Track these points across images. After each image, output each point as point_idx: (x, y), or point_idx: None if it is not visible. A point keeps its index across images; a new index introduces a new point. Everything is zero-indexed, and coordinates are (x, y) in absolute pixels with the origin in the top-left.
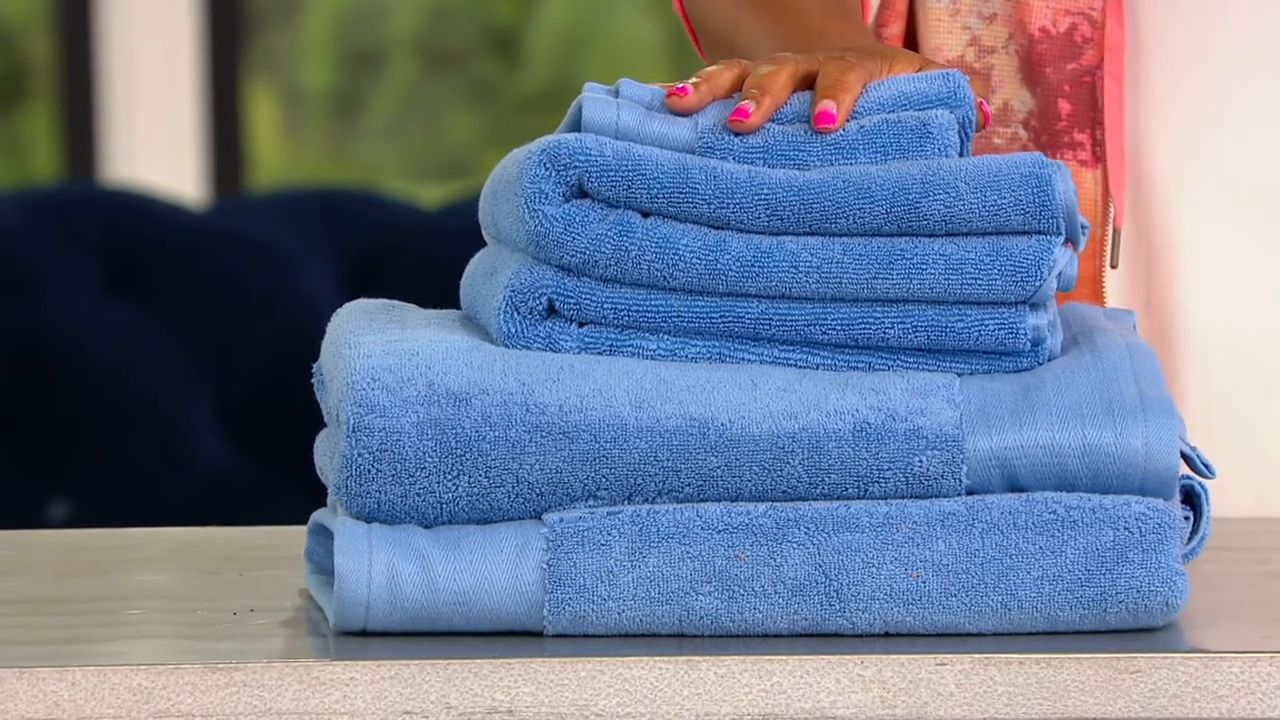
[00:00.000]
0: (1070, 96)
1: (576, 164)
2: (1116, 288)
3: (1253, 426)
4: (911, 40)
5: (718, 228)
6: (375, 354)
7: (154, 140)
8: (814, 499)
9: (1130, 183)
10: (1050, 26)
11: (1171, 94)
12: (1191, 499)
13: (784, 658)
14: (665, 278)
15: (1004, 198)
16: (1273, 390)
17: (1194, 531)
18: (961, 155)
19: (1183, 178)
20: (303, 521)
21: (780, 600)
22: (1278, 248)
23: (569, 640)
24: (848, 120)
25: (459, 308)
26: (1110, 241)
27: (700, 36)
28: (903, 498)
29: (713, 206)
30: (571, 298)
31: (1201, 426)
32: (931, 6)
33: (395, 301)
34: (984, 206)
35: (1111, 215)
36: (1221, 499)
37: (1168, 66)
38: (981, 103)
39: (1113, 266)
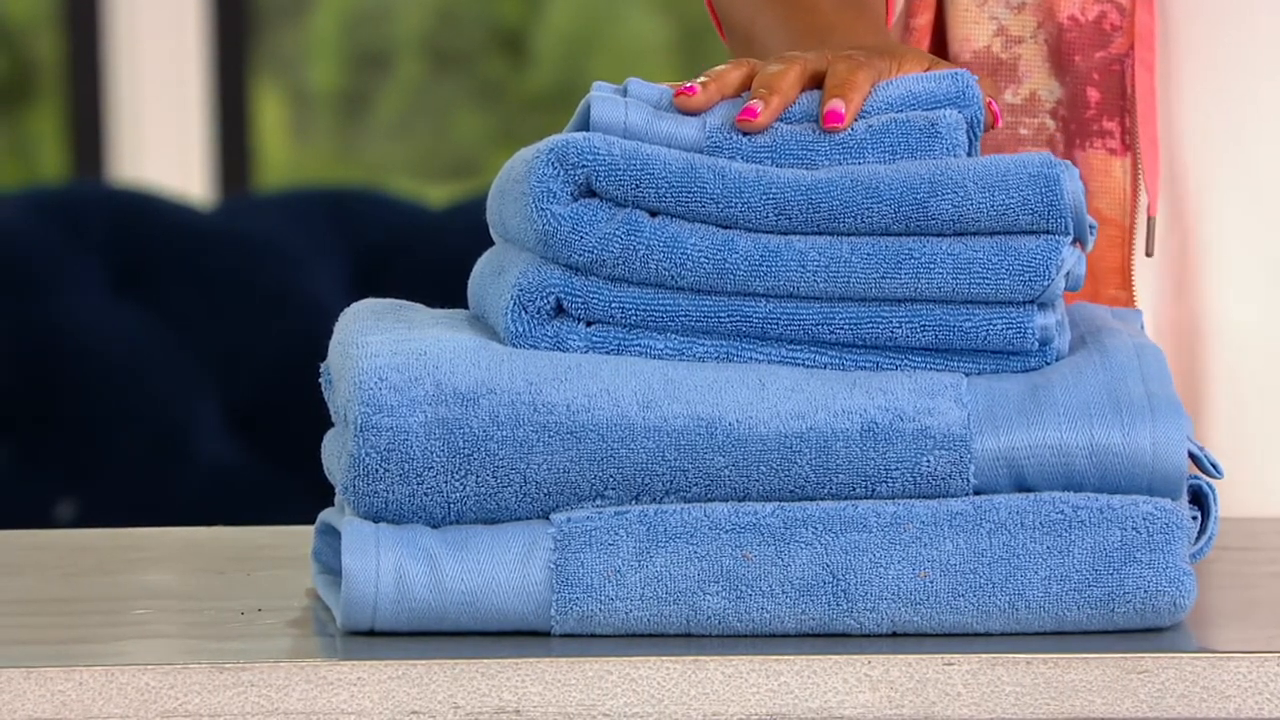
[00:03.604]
0: (1099, 85)
1: (584, 163)
2: (1149, 279)
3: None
4: (939, 30)
5: (725, 227)
6: (383, 353)
7: (161, 140)
8: (821, 499)
9: (1163, 172)
10: (1079, 14)
11: (1204, 82)
12: (1199, 499)
13: (791, 657)
14: (673, 277)
15: (1012, 197)
16: None
17: (1201, 531)
18: (970, 155)
19: (1216, 167)
20: (310, 521)
21: (788, 600)
22: None
23: (576, 640)
24: (856, 119)
25: (466, 307)
26: (1146, 230)
27: (724, 26)
28: (910, 498)
29: (720, 206)
30: (579, 297)
31: (1231, 419)
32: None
33: (403, 301)
34: (992, 206)
35: (1144, 204)
36: (1255, 493)
37: (1199, 54)
38: (990, 102)
39: (1148, 254)
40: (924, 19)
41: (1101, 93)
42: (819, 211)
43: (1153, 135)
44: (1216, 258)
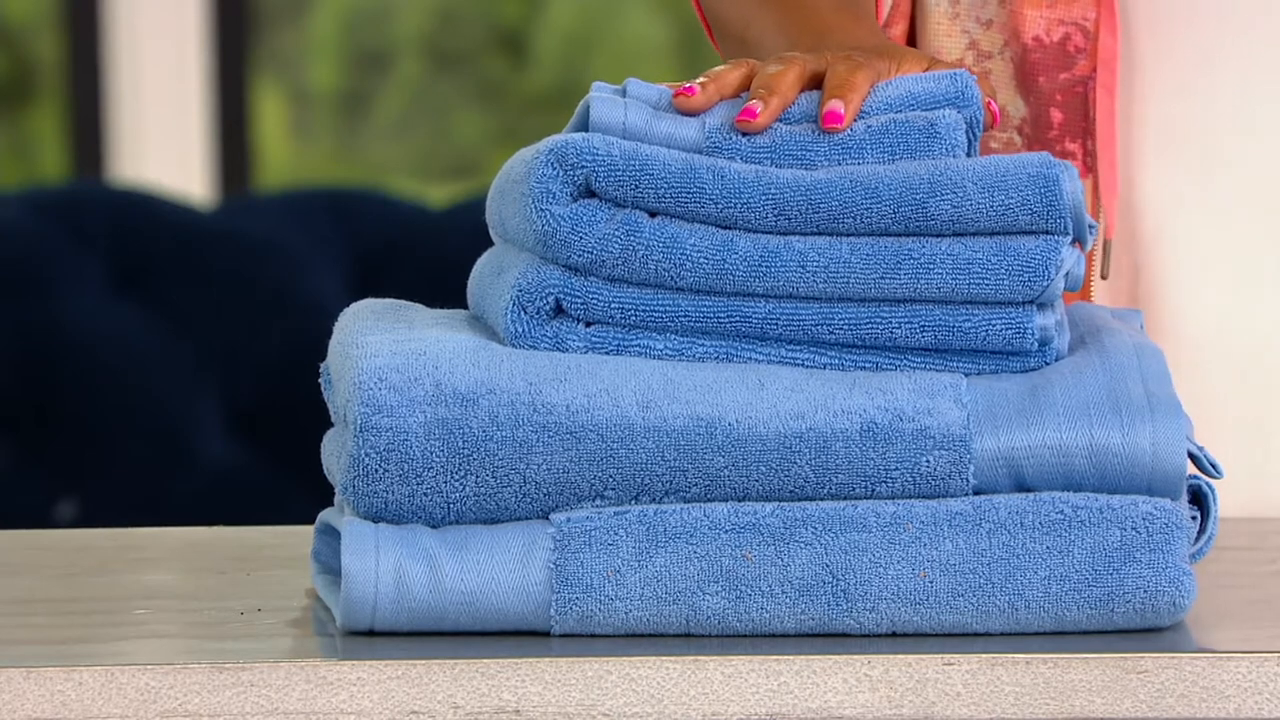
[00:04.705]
0: (1062, 106)
1: (584, 163)
2: (1102, 298)
3: (1243, 433)
4: (913, 42)
5: (725, 227)
6: (382, 353)
7: (161, 140)
8: (821, 499)
9: (1122, 195)
10: (1044, 36)
11: (1164, 106)
12: (1199, 499)
13: (791, 657)
14: (672, 277)
15: (1011, 197)
16: (1264, 393)
17: (1201, 531)
18: (969, 155)
19: (1172, 190)
20: (310, 521)
21: (787, 600)
22: (1266, 256)
23: (576, 640)
24: (855, 120)
25: (466, 307)
26: (1101, 252)
27: (714, 30)
28: (910, 498)
29: (720, 206)
30: (579, 297)
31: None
32: (932, 9)
33: (402, 301)
34: (991, 206)
35: (1102, 226)
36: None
37: (1161, 78)
38: (989, 102)
39: (1103, 277)
40: (899, 29)
41: (1065, 114)
42: (818, 212)
43: (1111, 159)
44: (1170, 278)
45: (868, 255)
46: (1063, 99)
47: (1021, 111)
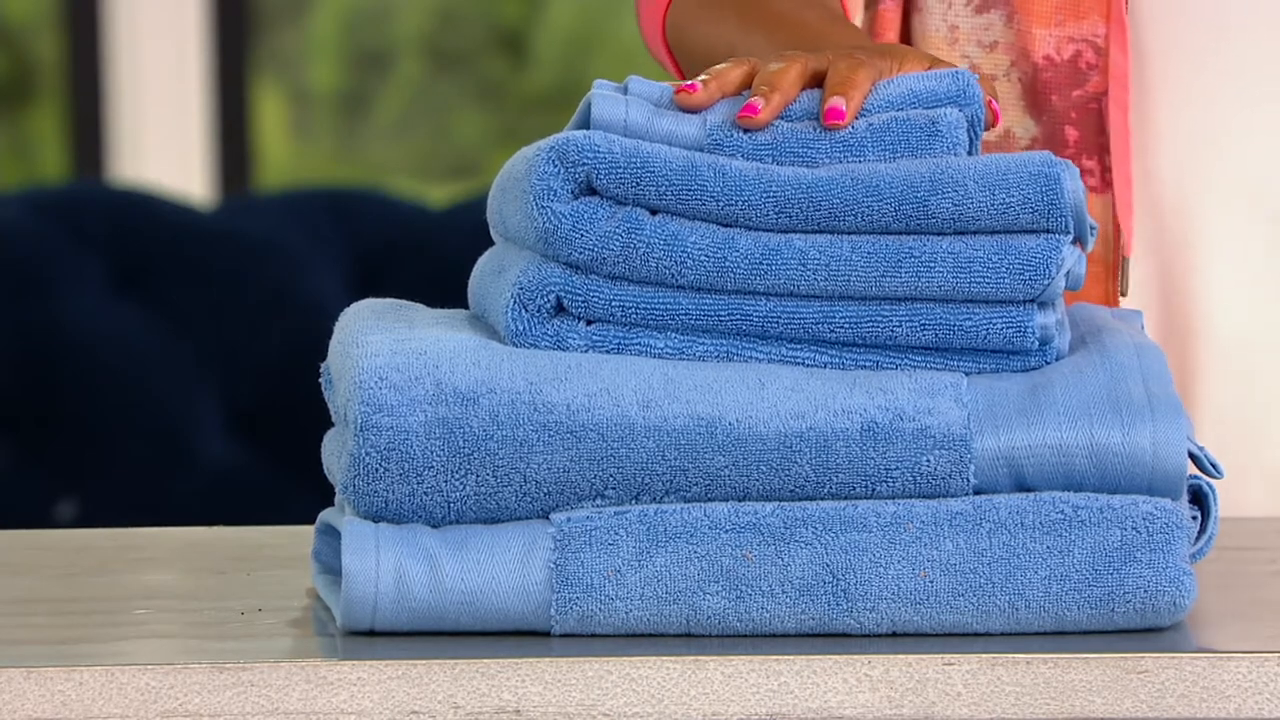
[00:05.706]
0: (1077, 123)
1: (585, 161)
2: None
3: (1266, 435)
4: None
5: (726, 225)
6: (383, 353)
7: (161, 140)
8: (821, 498)
9: (1142, 208)
10: (1054, 54)
11: (1177, 118)
12: (1199, 499)
13: (791, 657)
14: (673, 275)
15: (1013, 196)
16: (1265, 392)
17: (1201, 531)
18: (970, 153)
19: (1192, 200)
20: (310, 521)
21: (788, 600)
22: None
23: (576, 640)
24: (857, 117)
25: (466, 307)
26: (1120, 270)
27: (690, 68)
28: (910, 497)
29: (721, 204)
30: (579, 295)
31: (1213, 434)
32: (929, 36)
33: (403, 301)
34: (992, 205)
35: (1120, 243)
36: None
37: (1172, 91)
38: (990, 101)
39: (1122, 293)
40: None
41: (1080, 131)
42: (819, 209)
43: (1126, 174)
44: (1197, 286)
45: (869, 253)
46: (1078, 116)
47: (1031, 132)
